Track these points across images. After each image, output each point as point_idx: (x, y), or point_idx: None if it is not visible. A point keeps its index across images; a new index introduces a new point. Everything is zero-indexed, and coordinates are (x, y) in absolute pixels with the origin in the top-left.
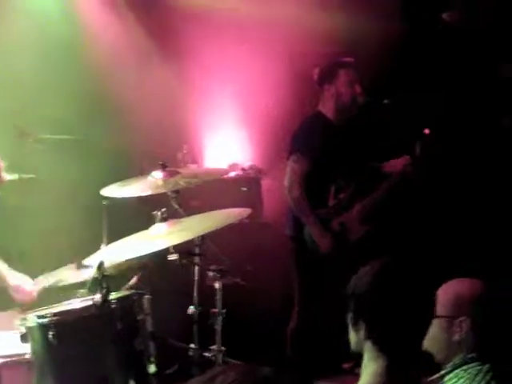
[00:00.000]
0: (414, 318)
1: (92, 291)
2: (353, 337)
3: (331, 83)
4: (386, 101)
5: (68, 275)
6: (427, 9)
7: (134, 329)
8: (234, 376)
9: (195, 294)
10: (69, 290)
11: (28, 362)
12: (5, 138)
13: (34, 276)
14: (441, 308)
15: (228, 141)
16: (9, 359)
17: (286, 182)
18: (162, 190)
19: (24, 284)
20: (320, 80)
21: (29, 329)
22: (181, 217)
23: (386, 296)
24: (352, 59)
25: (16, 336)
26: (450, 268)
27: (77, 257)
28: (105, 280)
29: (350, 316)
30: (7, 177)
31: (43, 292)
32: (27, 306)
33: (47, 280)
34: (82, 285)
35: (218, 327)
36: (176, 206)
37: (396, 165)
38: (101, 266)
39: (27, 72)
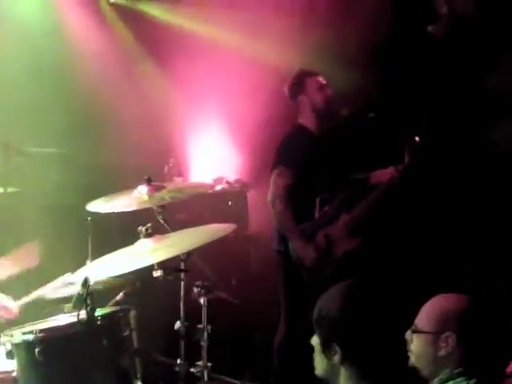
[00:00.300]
0: (392, 335)
1: (77, 308)
2: (321, 363)
3: (303, 93)
4: (371, 114)
5: (51, 291)
6: (414, 21)
7: (120, 345)
8: None
9: (181, 310)
10: (54, 305)
11: (14, 379)
12: None
13: (18, 290)
14: (426, 323)
15: (214, 154)
16: None
17: (268, 197)
18: (148, 205)
19: (5, 302)
20: (291, 94)
21: (14, 345)
22: (166, 232)
23: (361, 317)
24: (316, 70)
25: (1, 352)
26: (435, 283)
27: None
28: (90, 296)
29: (317, 341)
30: None
31: (28, 307)
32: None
33: (29, 296)
34: (67, 300)
35: (204, 343)
36: (162, 221)
37: (382, 175)
38: (86, 282)
39: (13, 86)
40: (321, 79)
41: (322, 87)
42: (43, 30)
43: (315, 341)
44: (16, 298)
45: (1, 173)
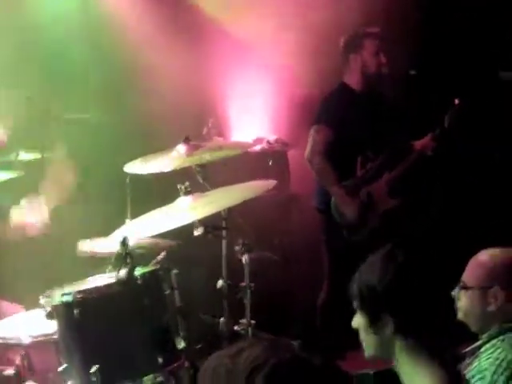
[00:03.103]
0: (441, 294)
1: (116, 267)
2: (371, 340)
3: (357, 53)
4: (412, 71)
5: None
6: None
7: (161, 304)
8: (258, 352)
9: (223, 268)
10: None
11: (56, 342)
12: (28, 118)
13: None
14: (473, 279)
15: (254, 114)
16: (37, 339)
17: (306, 153)
18: (186, 164)
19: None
20: (345, 50)
21: (54, 307)
22: (206, 191)
23: (407, 280)
24: (378, 29)
25: (41, 314)
26: (480, 238)
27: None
28: (129, 256)
29: (361, 320)
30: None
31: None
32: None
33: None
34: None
35: (247, 301)
36: (201, 180)
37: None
38: (124, 241)
39: (50, 53)
40: (378, 43)
41: (377, 52)
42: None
43: (358, 321)
44: None
45: (40, 139)
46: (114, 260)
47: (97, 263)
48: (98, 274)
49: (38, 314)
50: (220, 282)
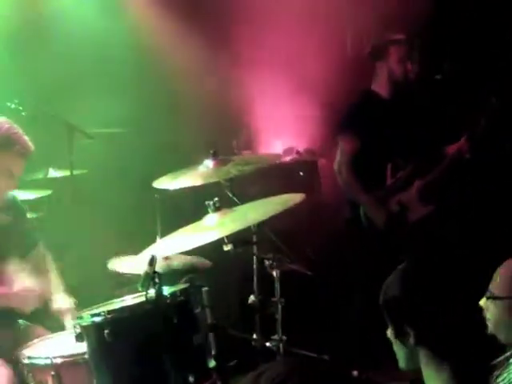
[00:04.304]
0: (466, 305)
1: (144, 287)
2: (400, 352)
3: (383, 60)
4: (438, 76)
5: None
6: None
7: (191, 323)
8: (281, 370)
9: (254, 283)
10: (127, 285)
11: (87, 362)
12: (57, 135)
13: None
14: (501, 289)
15: (283, 125)
16: (68, 359)
17: (335, 164)
18: (214, 179)
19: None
20: (372, 57)
21: (84, 328)
22: (235, 205)
23: (426, 290)
24: (403, 36)
25: (71, 336)
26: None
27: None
28: (157, 275)
29: (390, 331)
30: (60, 173)
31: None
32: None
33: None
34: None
35: (279, 316)
36: (230, 195)
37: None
38: (152, 260)
39: (80, 70)
40: (405, 50)
41: (404, 59)
42: (110, 14)
43: (389, 331)
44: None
45: (68, 155)
46: (142, 279)
47: (126, 282)
48: (127, 293)
49: (69, 335)
50: (251, 298)
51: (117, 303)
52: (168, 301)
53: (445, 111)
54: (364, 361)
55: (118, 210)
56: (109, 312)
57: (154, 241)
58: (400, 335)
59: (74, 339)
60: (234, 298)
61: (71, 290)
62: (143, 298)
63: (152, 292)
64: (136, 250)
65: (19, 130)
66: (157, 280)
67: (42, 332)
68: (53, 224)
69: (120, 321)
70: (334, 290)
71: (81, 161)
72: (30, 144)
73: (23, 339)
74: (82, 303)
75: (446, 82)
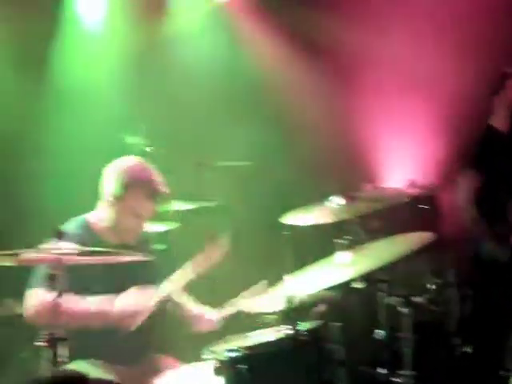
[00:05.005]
0: None
1: (282, 323)
2: None
3: (500, 95)
4: None
5: (251, 304)
6: None
7: (324, 359)
8: None
9: (382, 318)
10: (252, 317)
11: None
12: (183, 167)
13: (218, 302)
14: None
15: (403, 157)
16: None
17: (458, 201)
18: (345, 217)
19: (208, 314)
20: (489, 92)
21: (221, 362)
22: (364, 242)
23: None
24: None
25: (207, 369)
26: None
27: (259, 285)
28: (295, 311)
29: None
30: (188, 206)
31: (226, 321)
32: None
33: (230, 309)
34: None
35: (407, 351)
36: (359, 232)
37: None
38: (291, 298)
39: (204, 105)
40: None
41: None
42: (235, 46)
43: None
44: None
45: (194, 188)
46: (280, 316)
47: (254, 317)
48: (258, 328)
49: (199, 368)
50: (378, 332)
51: (253, 338)
52: (304, 337)
53: None
54: None
55: (245, 243)
56: (247, 348)
57: (281, 276)
58: None
59: (206, 372)
60: (361, 333)
61: None
62: (280, 335)
63: (290, 328)
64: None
65: (153, 172)
66: (294, 316)
67: (172, 362)
68: (178, 257)
69: (258, 357)
70: (461, 323)
71: (207, 193)
72: (162, 187)
73: (153, 371)
74: (211, 336)
75: None
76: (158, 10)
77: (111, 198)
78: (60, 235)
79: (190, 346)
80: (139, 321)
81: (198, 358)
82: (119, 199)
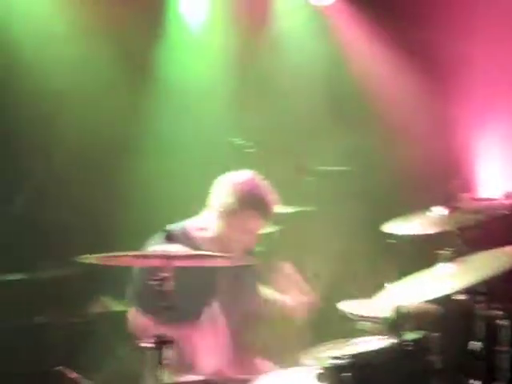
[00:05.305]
0: None
1: (385, 331)
2: None
3: None
4: None
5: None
6: None
7: (425, 369)
8: None
9: (479, 331)
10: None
11: None
12: (282, 171)
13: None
14: None
15: (502, 167)
16: None
17: None
18: (446, 228)
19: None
20: None
21: (324, 369)
22: (465, 254)
23: None
24: None
25: (305, 374)
26: None
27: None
28: (400, 321)
29: None
30: (287, 209)
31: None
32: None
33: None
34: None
35: (503, 364)
36: (459, 244)
37: None
38: (398, 309)
39: (306, 107)
40: None
41: None
42: (331, 52)
43: None
44: None
45: (294, 193)
46: (385, 325)
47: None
48: (360, 336)
49: (297, 373)
50: (474, 344)
51: (355, 346)
52: (409, 348)
53: None
54: None
55: (345, 249)
56: (352, 356)
57: (381, 284)
58: None
59: (305, 377)
60: (458, 344)
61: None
62: (385, 344)
63: (396, 338)
64: (363, 292)
65: (266, 190)
66: (401, 327)
67: (269, 366)
68: (279, 259)
69: (362, 365)
70: None
71: (307, 198)
72: (273, 206)
73: (250, 373)
74: (308, 341)
75: None
76: (259, 12)
77: (222, 210)
78: (169, 237)
79: (286, 350)
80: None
81: (294, 363)
82: (231, 214)
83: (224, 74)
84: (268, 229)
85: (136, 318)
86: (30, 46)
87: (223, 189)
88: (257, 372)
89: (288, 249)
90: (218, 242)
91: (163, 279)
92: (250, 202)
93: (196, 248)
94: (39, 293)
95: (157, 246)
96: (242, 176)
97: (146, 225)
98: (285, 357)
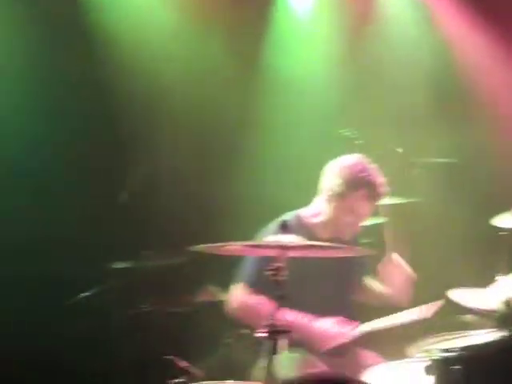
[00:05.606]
0: None
1: (498, 325)
2: None
3: None
4: None
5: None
6: None
7: None
8: None
9: None
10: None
11: None
12: (389, 162)
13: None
14: None
15: None
16: None
17: None
18: None
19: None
20: None
21: (433, 361)
22: None
23: None
24: None
25: (413, 366)
26: None
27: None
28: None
29: None
30: (395, 201)
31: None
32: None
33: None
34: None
35: None
36: None
37: None
38: (509, 301)
39: (411, 98)
40: None
41: None
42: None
43: None
44: None
45: (401, 183)
46: (497, 318)
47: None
48: (467, 329)
49: (404, 365)
50: None
51: (464, 339)
52: None
53: None
54: None
55: (450, 240)
56: (462, 349)
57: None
58: None
59: (413, 369)
60: None
61: None
62: (497, 337)
63: (505, 331)
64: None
65: (373, 172)
66: (510, 319)
67: (375, 358)
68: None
69: (473, 358)
70: None
71: (414, 189)
72: (382, 188)
73: (355, 365)
74: (414, 333)
75: None
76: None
77: (331, 193)
78: (284, 227)
79: (392, 343)
80: (333, 345)
81: (401, 355)
82: (340, 196)
83: (331, 63)
84: (376, 220)
85: (243, 296)
86: (144, 44)
87: (331, 173)
88: (363, 363)
89: (396, 240)
90: (330, 226)
91: (278, 269)
92: (358, 184)
93: (310, 235)
94: (146, 281)
95: (271, 236)
96: (350, 159)
97: (258, 215)
98: (392, 349)
